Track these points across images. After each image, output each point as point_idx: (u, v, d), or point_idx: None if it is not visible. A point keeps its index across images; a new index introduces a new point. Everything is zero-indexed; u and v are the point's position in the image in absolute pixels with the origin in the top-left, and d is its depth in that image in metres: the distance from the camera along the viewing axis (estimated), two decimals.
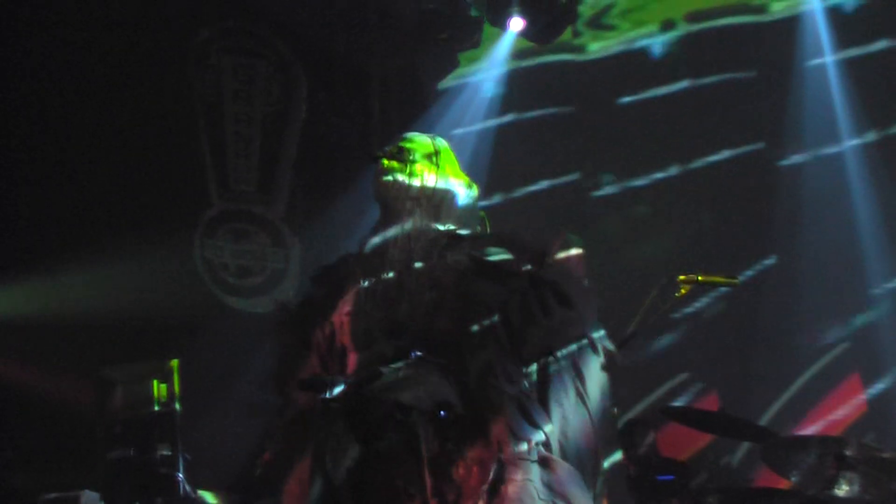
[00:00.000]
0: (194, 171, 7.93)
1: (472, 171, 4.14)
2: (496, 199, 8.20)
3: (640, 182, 8.40)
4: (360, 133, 8.60)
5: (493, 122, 8.65)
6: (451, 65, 8.74)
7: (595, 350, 3.67)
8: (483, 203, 4.14)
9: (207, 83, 7.99)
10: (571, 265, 3.69)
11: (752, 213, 8.32)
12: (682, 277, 4.90)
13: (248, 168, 8.17)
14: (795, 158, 8.23)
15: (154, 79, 7.51)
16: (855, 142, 8.05)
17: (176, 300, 7.27)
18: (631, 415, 7.14)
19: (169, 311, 7.07)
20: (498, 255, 3.69)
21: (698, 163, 8.43)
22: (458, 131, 8.33)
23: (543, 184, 8.53)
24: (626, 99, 8.65)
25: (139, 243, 6.92)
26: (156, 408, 5.76)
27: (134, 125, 7.35)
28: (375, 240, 3.83)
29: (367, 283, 3.75)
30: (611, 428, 3.99)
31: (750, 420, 5.94)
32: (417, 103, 8.90)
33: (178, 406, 5.80)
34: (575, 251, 3.72)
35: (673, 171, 8.48)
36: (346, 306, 3.76)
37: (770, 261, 8.31)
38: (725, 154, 8.32)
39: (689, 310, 8.10)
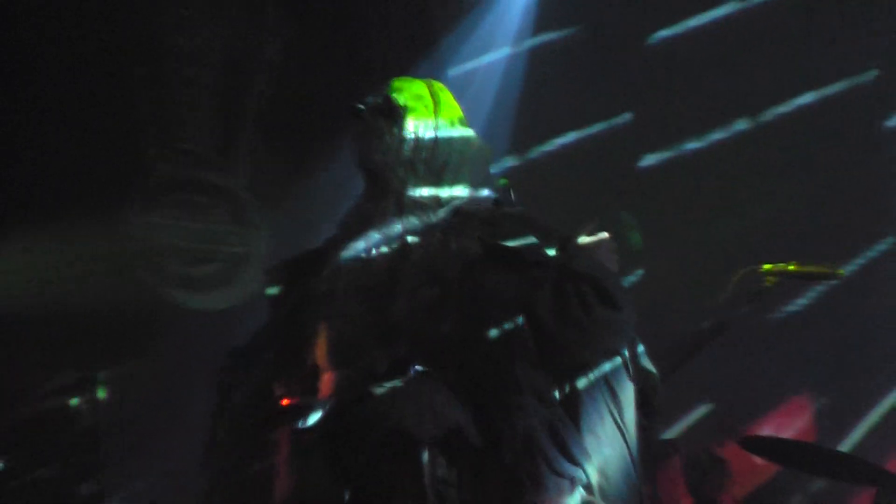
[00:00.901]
0: (126, 126, 7.89)
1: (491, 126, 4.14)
2: (518, 158, 8.19)
3: (696, 144, 8.37)
4: (349, 79, 8.58)
5: (520, 50, 8.66)
6: None
7: (628, 370, 3.68)
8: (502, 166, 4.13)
9: (141, 7, 7.97)
10: (602, 254, 3.70)
11: (858, 181, 8.27)
12: (766, 267, 4.88)
13: (199, 122, 8.16)
14: None
15: (70, 3, 7.47)
16: None
17: (104, 294, 7.25)
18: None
19: (95, 309, 7.06)
20: (519, 239, 3.69)
21: (770, 114, 8.39)
22: (471, 65, 8.34)
23: (571, 136, 8.54)
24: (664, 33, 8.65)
25: (53, 220, 6.91)
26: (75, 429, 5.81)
27: (44, 64, 7.32)
28: (359, 219, 3.84)
29: (348, 279, 3.75)
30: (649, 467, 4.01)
31: (862, 457, 5.92)
32: (422, 39, 8.88)
33: (101, 427, 5.86)
34: (604, 236, 3.73)
35: (741, 125, 8.45)
36: (318, 312, 3.77)
37: (884, 245, 8.26)
38: (809, 98, 8.29)
39: (776, 314, 8.06)
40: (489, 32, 8.78)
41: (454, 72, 8.68)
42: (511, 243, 3.70)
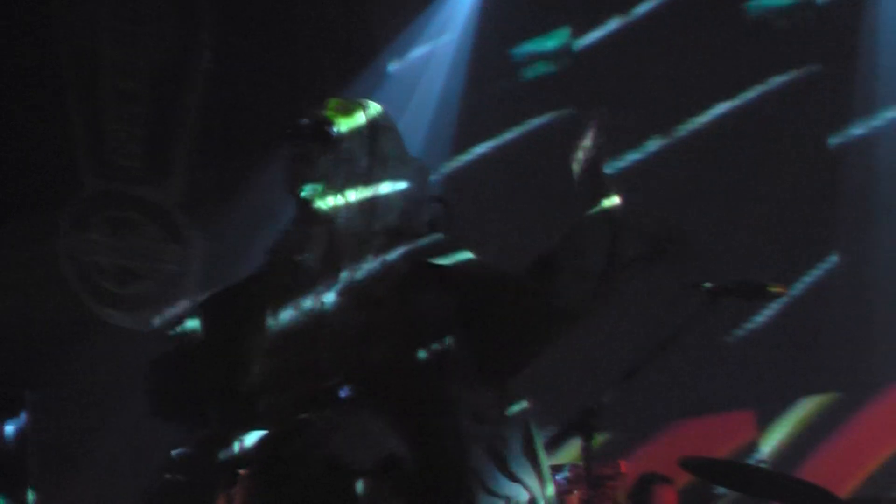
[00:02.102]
0: (59, 140, 7.84)
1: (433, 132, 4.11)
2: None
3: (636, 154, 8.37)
4: (285, 92, 8.54)
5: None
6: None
7: None
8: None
9: (77, 22, 7.91)
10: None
11: (803, 199, 8.31)
12: (707, 286, 4.84)
13: (131, 137, 8.10)
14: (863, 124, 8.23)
15: (4, 17, 7.42)
16: None
17: (33, 314, 7.19)
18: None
19: (23, 328, 6.99)
20: (451, 255, 3.66)
21: (705, 115, 8.43)
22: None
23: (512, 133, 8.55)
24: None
25: None
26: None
27: None
28: (288, 247, 3.79)
29: (276, 307, 3.72)
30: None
31: (803, 479, 5.94)
32: (365, 52, 8.86)
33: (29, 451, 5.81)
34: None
35: (680, 134, 8.47)
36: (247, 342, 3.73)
37: (829, 263, 8.30)
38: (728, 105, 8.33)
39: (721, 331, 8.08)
40: (433, 29, 8.79)
41: (395, 67, 8.68)
42: (442, 261, 3.67)
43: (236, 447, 3.62)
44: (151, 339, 6.99)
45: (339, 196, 3.79)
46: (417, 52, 8.85)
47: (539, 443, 3.68)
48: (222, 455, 3.64)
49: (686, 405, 8.28)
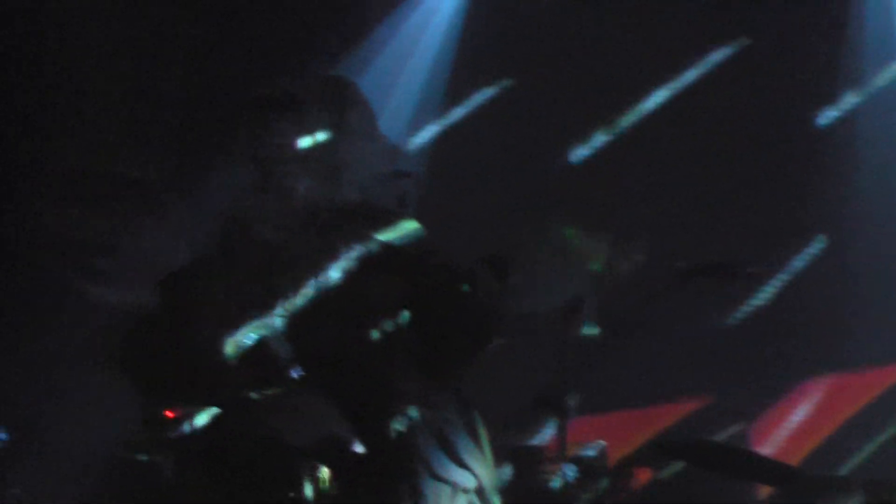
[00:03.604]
0: (36, 114, 7.83)
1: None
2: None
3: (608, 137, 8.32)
4: (272, 65, 8.51)
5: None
6: None
7: None
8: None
9: None
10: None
11: (788, 181, 8.28)
12: (681, 265, 4.85)
13: (111, 110, 8.10)
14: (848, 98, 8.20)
15: None
16: None
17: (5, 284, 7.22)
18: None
19: None
20: (404, 237, 3.67)
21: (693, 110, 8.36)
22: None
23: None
24: None
25: None
26: None
27: None
28: (243, 217, 3.80)
29: (228, 280, 3.73)
30: None
31: (771, 457, 5.95)
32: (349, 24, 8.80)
33: None
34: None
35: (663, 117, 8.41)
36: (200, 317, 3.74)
37: (813, 247, 8.27)
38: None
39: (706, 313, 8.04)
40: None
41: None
42: (397, 244, 3.67)
43: (187, 426, 3.62)
44: (126, 315, 7.00)
45: (299, 166, 3.79)
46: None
47: (482, 429, 3.68)
48: (173, 433, 3.64)
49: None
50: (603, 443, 5.63)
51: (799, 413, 8.00)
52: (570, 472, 5.22)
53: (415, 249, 3.68)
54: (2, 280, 7.33)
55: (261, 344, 3.64)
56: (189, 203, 8.19)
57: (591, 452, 5.49)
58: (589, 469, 5.33)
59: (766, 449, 7.64)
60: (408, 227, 3.74)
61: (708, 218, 8.01)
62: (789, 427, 7.96)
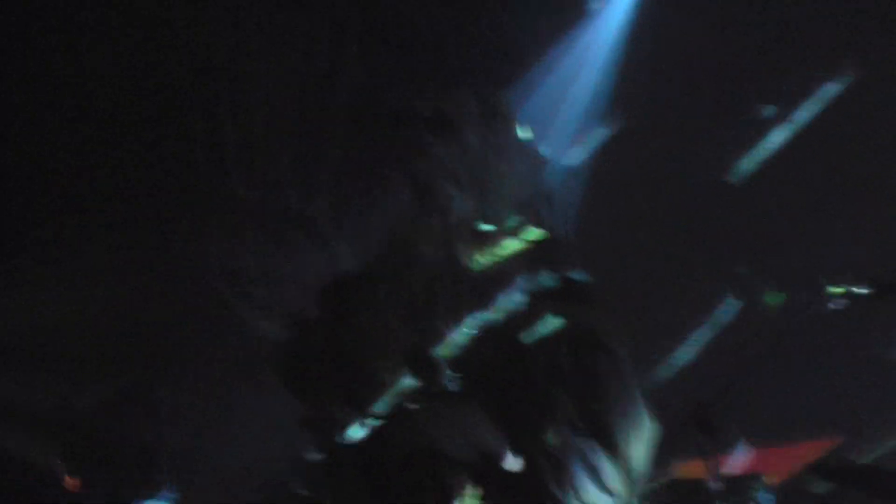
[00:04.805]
0: (208, 151, 7.99)
1: None
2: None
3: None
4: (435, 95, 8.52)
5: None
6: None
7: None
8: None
9: (229, 37, 7.99)
10: None
11: None
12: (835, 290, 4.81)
13: (279, 147, 8.17)
14: None
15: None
16: None
17: (170, 314, 7.35)
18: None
19: (157, 328, 7.15)
20: (573, 271, 3.67)
21: None
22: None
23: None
24: None
25: (120, 238, 7.02)
26: None
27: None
28: (403, 234, 3.82)
29: (392, 297, 3.75)
30: None
31: None
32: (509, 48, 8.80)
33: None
34: None
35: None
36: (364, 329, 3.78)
37: None
38: None
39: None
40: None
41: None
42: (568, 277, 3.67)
43: (348, 431, 3.64)
44: (284, 342, 7.12)
45: (453, 184, 3.79)
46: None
47: (628, 454, 3.64)
48: (334, 438, 3.66)
49: None
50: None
51: None
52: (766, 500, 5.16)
53: (581, 286, 3.68)
54: (176, 308, 7.46)
55: (425, 356, 3.66)
56: (348, 234, 8.30)
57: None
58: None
59: None
60: (564, 246, 3.75)
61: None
62: None
